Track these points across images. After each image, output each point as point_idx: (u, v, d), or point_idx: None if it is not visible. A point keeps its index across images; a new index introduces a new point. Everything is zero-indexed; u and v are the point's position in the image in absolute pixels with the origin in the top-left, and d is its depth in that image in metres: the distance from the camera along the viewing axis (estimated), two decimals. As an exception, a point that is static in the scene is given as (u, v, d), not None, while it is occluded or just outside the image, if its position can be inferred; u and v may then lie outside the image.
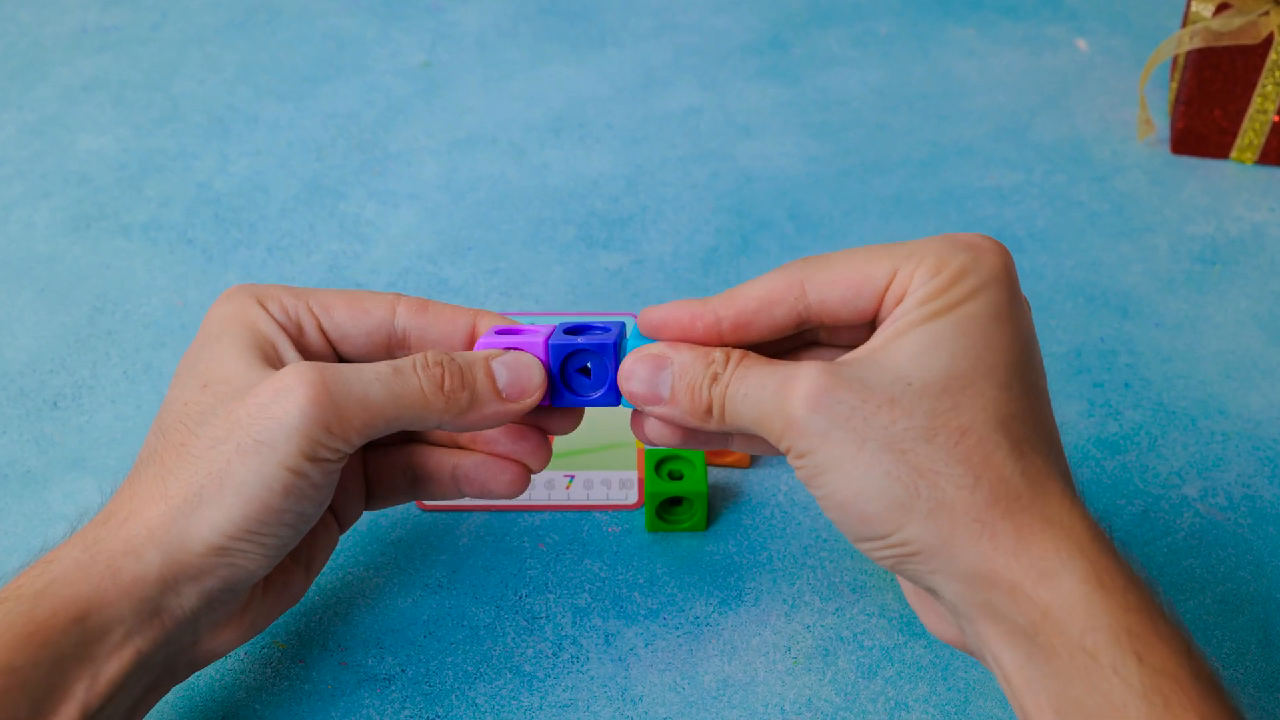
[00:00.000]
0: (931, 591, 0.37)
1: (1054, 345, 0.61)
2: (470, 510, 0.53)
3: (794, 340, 0.43)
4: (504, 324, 0.43)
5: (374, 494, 0.46)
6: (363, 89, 0.77)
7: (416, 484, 0.46)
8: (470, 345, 0.43)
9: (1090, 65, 0.80)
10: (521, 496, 0.53)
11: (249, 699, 0.46)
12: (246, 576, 0.39)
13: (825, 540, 0.52)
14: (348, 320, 0.43)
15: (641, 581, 0.51)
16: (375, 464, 0.46)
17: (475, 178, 0.71)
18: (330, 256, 0.66)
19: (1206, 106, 0.70)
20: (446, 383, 0.39)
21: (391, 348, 0.44)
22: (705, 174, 0.71)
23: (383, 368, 0.39)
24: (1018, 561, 0.34)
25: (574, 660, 0.48)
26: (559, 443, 0.56)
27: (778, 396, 0.37)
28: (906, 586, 0.42)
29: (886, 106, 0.76)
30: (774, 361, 0.38)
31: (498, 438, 0.44)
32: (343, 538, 0.52)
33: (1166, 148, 0.73)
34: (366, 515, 0.53)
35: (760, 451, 0.43)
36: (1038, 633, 0.34)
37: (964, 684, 0.47)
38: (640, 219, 0.68)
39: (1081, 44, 0.82)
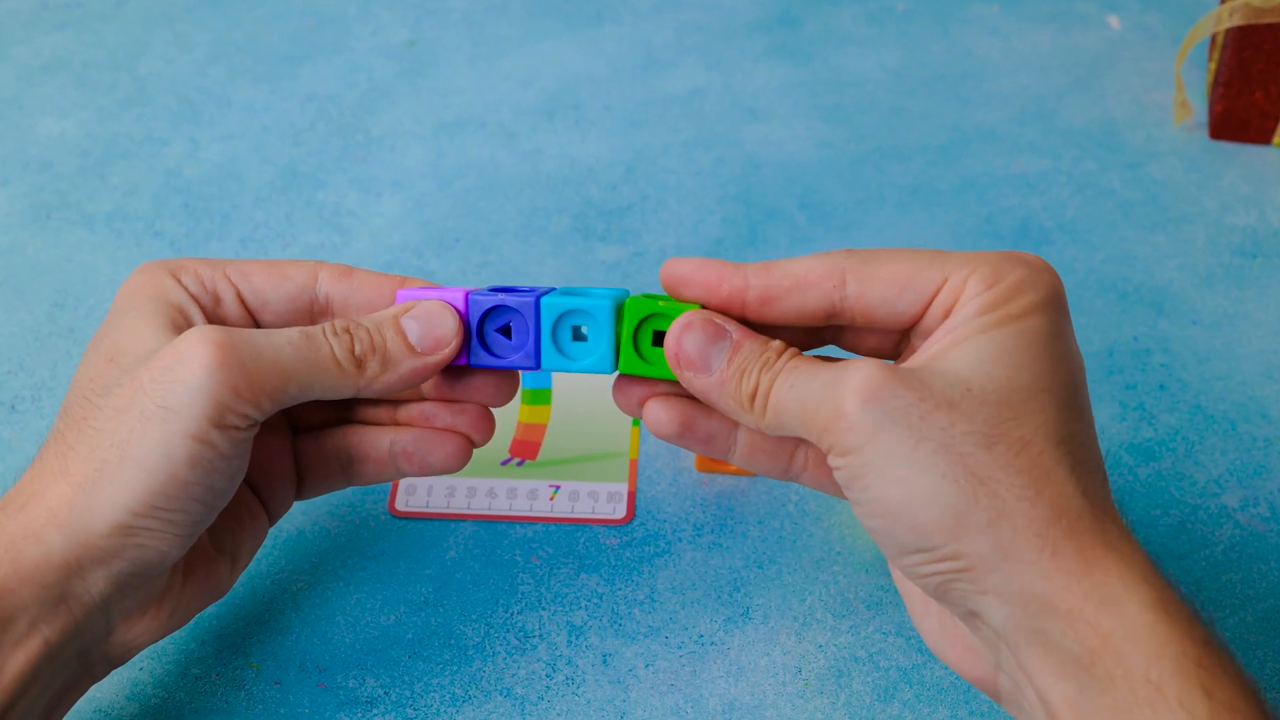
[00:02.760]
0: (974, 617, 0.37)
1: (1084, 344, 0.61)
2: (458, 519, 0.53)
3: (811, 340, 0.43)
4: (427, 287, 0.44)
5: (306, 481, 0.46)
6: (343, 69, 0.77)
7: (351, 467, 0.46)
8: None
9: (1122, 44, 0.80)
10: (503, 507, 0.53)
11: (220, 724, 0.46)
12: (157, 558, 0.39)
13: (838, 553, 0.52)
14: (267, 286, 0.44)
15: (641, 598, 0.51)
16: (306, 450, 0.46)
17: (463, 164, 0.71)
18: (308, 249, 0.65)
19: (1247, 88, 0.70)
20: (357, 348, 0.40)
21: (314, 315, 0.44)
22: (710, 160, 0.71)
23: (293, 332, 0.40)
24: (1080, 585, 0.34)
25: (569, 682, 0.48)
26: (545, 451, 0.56)
27: (829, 388, 0.37)
28: (929, 618, 0.42)
29: (904, 88, 0.76)
30: (826, 359, 0.39)
31: (436, 412, 0.45)
32: (322, 549, 0.52)
33: (1204, 132, 0.73)
34: (351, 522, 0.53)
35: (763, 469, 0.43)
36: (1095, 662, 0.34)
37: (987, 708, 0.47)
38: (640, 209, 0.68)
39: (1113, 21, 0.82)
